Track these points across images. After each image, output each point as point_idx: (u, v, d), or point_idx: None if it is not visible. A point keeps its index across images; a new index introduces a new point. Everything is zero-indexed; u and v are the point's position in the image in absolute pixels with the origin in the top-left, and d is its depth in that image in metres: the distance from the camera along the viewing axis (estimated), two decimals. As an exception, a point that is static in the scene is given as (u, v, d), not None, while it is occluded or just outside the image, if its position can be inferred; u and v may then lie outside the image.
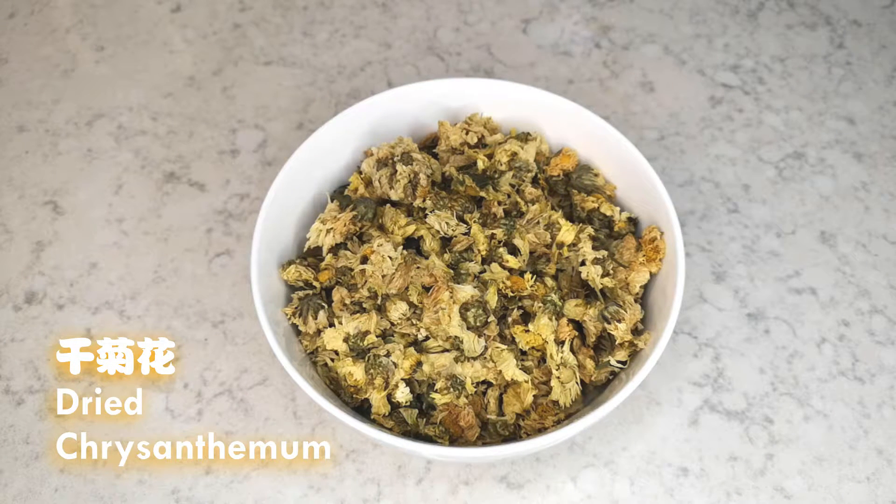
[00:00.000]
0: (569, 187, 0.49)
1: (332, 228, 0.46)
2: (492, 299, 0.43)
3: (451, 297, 0.42)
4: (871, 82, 0.62)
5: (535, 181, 0.49)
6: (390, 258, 0.43)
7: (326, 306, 0.45)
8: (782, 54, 0.64)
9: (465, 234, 0.45)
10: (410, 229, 0.45)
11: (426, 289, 0.43)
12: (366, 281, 0.44)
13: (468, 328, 0.43)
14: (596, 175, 0.49)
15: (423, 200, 0.46)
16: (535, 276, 0.44)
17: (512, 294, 0.44)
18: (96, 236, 0.56)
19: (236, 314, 0.53)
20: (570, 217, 0.48)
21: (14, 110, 0.62)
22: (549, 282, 0.45)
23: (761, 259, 0.54)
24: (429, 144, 0.51)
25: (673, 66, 0.64)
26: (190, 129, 0.61)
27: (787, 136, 0.60)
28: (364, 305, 0.44)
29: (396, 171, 0.46)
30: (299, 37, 0.65)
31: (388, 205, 0.47)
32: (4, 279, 0.54)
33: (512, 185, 0.47)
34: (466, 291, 0.42)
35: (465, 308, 0.42)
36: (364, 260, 0.45)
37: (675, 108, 0.61)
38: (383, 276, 0.43)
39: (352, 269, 0.45)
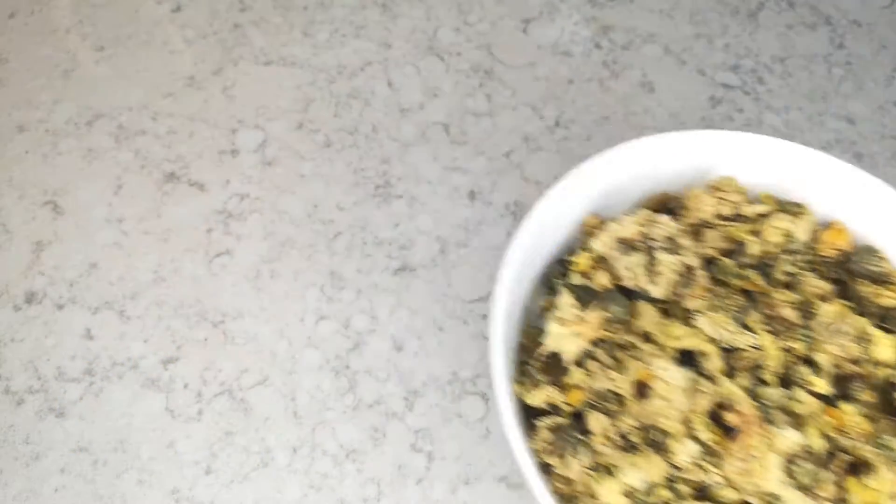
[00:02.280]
0: (847, 274, 0.38)
1: (578, 333, 0.36)
2: (815, 443, 0.33)
3: (768, 444, 0.32)
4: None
5: (812, 269, 0.39)
6: (679, 387, 0.33)
7: (583, 439, 0.35)
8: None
9: (753, 346, 0.35)
10: (688, 342, 0.35)
11: (715, 421, 0.33)
12: (644, 415, 0.34)
13: (795, 487, 0.32)
14: (881, 258, 0.39)
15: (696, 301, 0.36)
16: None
17: (833, 434, 0.34)
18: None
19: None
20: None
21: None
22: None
23: (761, 259, 0.54)
24: (657, 208, 0.41)
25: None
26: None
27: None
28: (631, 439, 0.34)
29: (654, 258, 0.37)
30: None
31: (642, 301, 0.37)
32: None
33: (790, 275, 0.37)
34: (791, 438, 0.32)
35: (790, 460, 0.32)
36: (640, 388, 0.34)
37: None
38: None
39: (617, 395, 0.35)
